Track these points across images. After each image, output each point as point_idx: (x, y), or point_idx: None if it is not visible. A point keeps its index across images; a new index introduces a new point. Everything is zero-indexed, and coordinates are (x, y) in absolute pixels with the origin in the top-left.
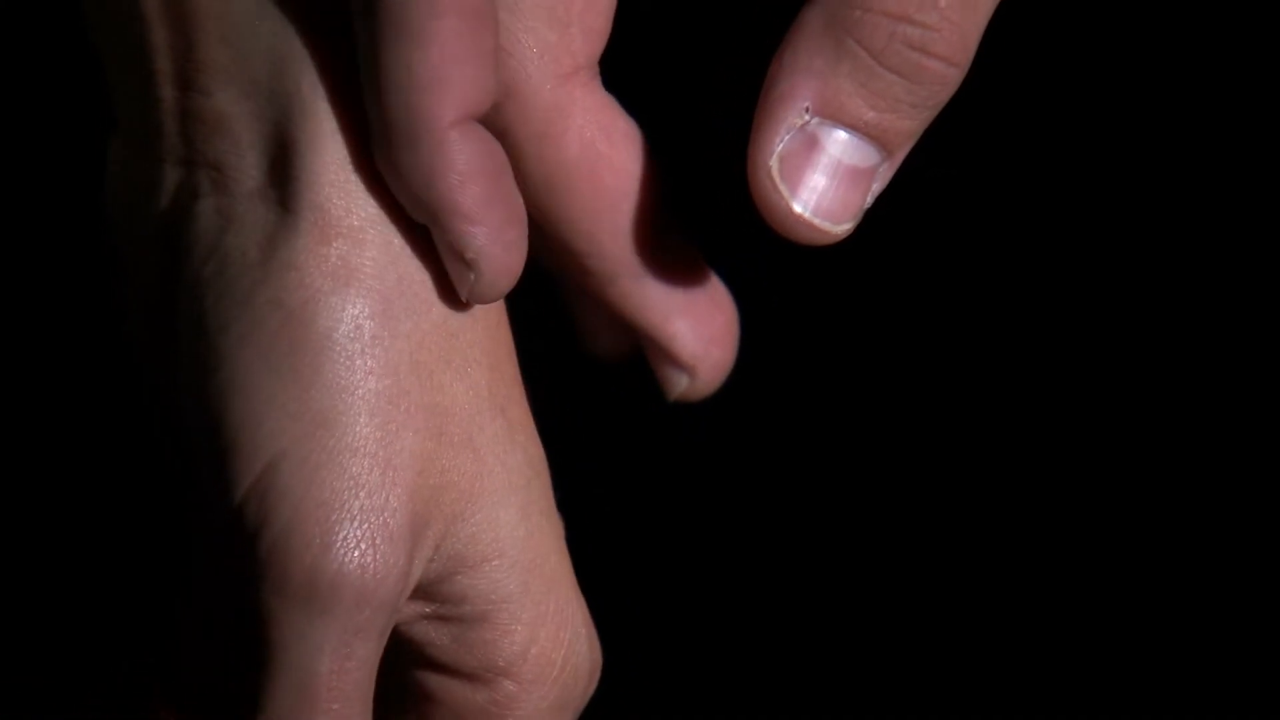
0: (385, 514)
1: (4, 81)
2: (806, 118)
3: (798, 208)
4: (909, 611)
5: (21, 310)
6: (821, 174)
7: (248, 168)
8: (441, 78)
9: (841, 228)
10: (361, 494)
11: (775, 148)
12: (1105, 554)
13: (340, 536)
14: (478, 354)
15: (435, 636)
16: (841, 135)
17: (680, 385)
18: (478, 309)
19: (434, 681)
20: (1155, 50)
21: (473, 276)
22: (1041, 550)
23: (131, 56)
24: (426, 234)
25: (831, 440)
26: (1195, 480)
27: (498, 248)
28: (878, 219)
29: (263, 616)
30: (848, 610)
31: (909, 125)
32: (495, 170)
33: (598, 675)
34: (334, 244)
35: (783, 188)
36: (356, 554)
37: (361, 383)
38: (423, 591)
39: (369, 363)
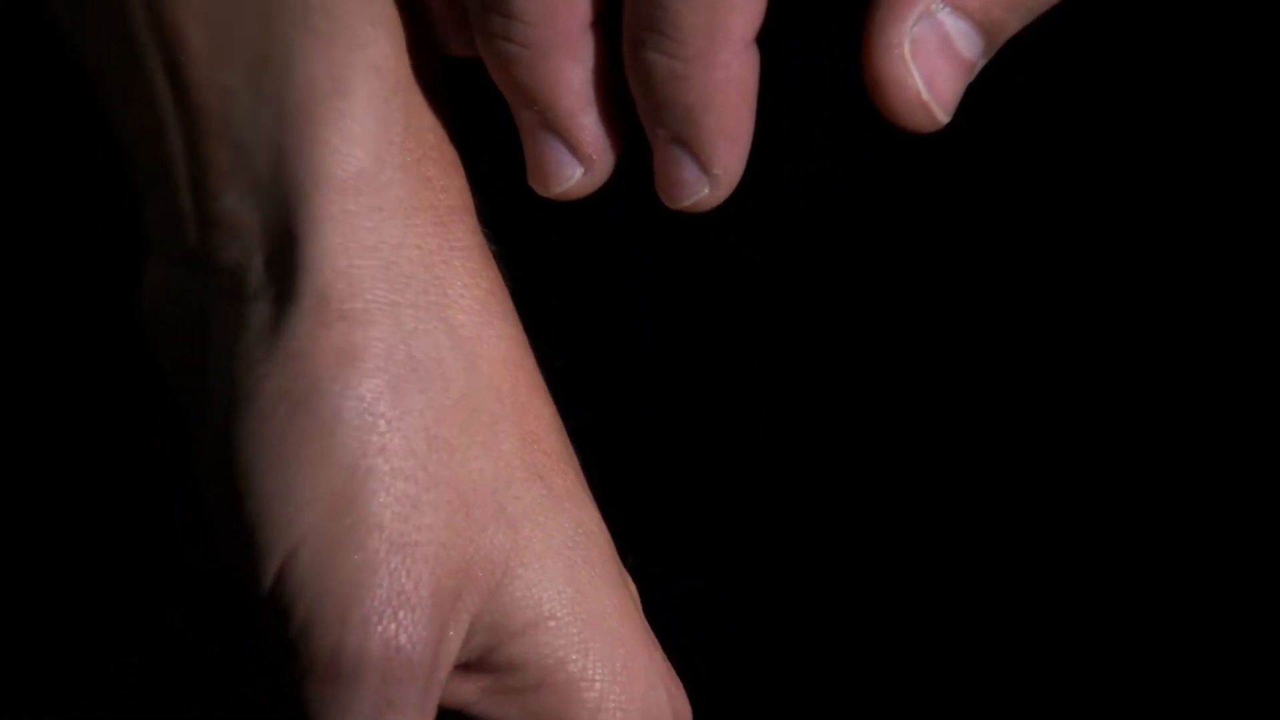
0: (407, 590)
1: (4, 82)
2: (939, 7)
3: (924, 93)
4: (915, 615)
5: (22, 312)
6: (943, 60)
7: (255, 267)
8: None
9: (948, 116)
10: (381, 571)
11: (907, 31)
12: (1106, 553)
13: (360, 615)
14: (506, 427)
15: (506, 711)
16: (962, 25)
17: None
18: (502, 385)
19: None
20: (1155, 50)
21: (707, 190)
22: (1043, 547)
23: (154, 170)
24: (437, 313)
25: (831, 438)
26: (1197, 481)
27: (736, 164)
28: (880, 214)
29: (297, 696)
30: (853, 616)
31: (1015, 25)
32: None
33: None
34: (336, 327)
35: (915, 70)
36: (378, 630)
37: (374, 462)
38: (477, 665)
39: (380, 441)
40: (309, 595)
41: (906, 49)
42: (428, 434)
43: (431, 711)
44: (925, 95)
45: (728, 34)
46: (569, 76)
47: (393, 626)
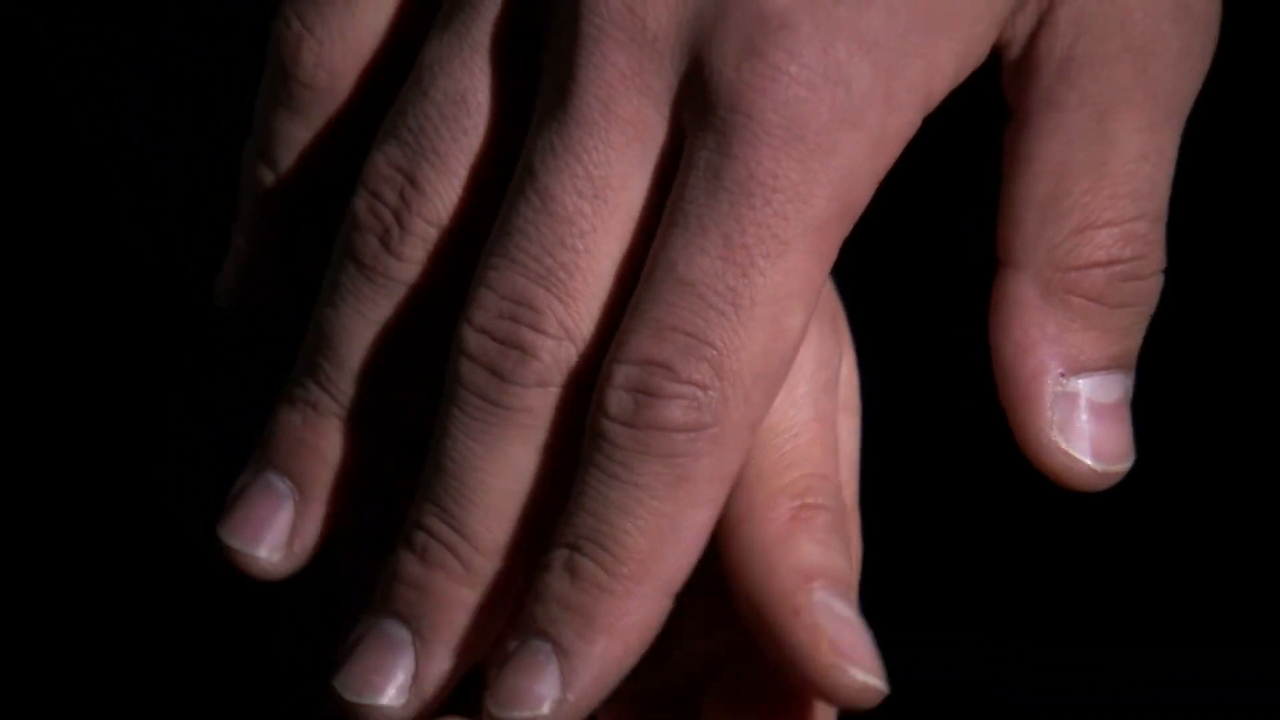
0: None
1: (4, 82)
2: (1063, 382)
3: (1096, 466)
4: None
5: (24, 313)
6: (1098, 425)
7: None
8: None
9: (1128, 462)
10: None
11: (1050, 421)
12: (1111, 556)
13: None
14: None
15: None
16: (1095, 379)
17: None
18: None
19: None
20: None
21: None
22: (1047, 551)
23: None
24: None
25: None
26: (1198, 482)
27: (593, 699)
28: (883, 219)
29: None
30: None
31: (1140, 338)
32: None
33: None
34: None
35: (1074, 453)
36: None
37: None
38: None
39: None
40: None
41: (1059, 439)
42: None
43: None
44: (1099, 468)
45: (660, 570)
46: (456, 600)
47: None
